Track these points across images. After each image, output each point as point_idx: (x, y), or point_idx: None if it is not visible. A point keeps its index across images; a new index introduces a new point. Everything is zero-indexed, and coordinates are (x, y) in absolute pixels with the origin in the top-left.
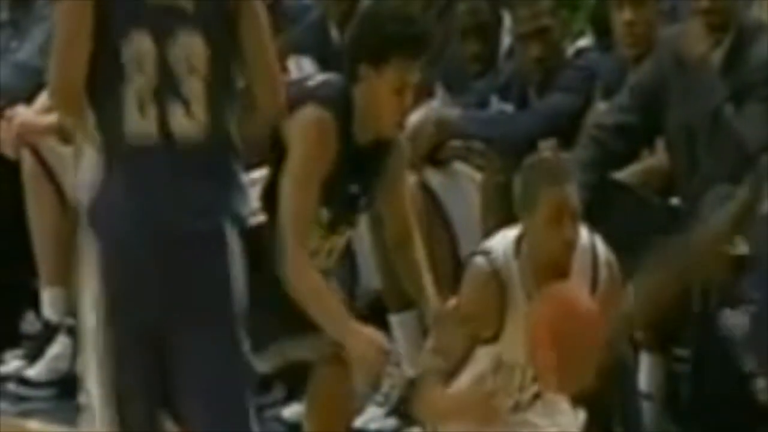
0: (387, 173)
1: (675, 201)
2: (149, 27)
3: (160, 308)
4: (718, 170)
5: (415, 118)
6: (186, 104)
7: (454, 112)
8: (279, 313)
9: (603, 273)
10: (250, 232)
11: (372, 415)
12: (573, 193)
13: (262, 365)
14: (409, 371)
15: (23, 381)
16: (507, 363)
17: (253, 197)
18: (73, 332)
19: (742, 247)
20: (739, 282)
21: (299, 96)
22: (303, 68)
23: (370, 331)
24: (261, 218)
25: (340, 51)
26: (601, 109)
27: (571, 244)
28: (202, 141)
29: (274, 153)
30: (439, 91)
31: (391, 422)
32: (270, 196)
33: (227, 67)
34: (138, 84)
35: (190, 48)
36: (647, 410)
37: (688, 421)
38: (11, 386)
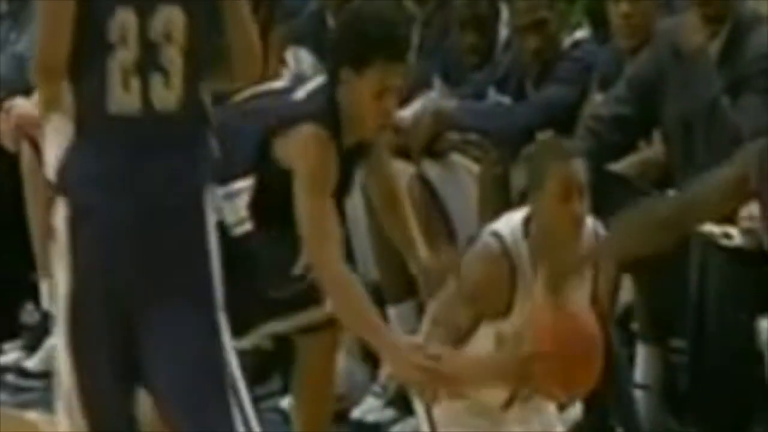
0: (369, 158)
1: (672, 192)
2: (134, 3)
3: (133, 279)
4: (715, 162)
5: (412, 109)
6: (165, 75)
7: (451, 104)
8: (260, 299)
9: (604, 271)
10: (237, 240)
11: (370, 406)
12: (580, 170)
13: (243, 343)
14: None
15: (22, 372)
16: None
17: (240, 207)
18: None
19: (738, 239)
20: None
21: (291, 114)
22: (301, 59)
23: (405, 344)
24: (247, 227)
25: None
26: (597, 100)
27: (579, 220)
28: (179, 111)
29: (262, 167)
30: (437, 83)
31: (389, 413)
32: (258, 206)
33: (204, 37)
34: (122, 58)
35: (169, 19)
36: (644, 402)
37: (685, 412)
38: (10, 377)
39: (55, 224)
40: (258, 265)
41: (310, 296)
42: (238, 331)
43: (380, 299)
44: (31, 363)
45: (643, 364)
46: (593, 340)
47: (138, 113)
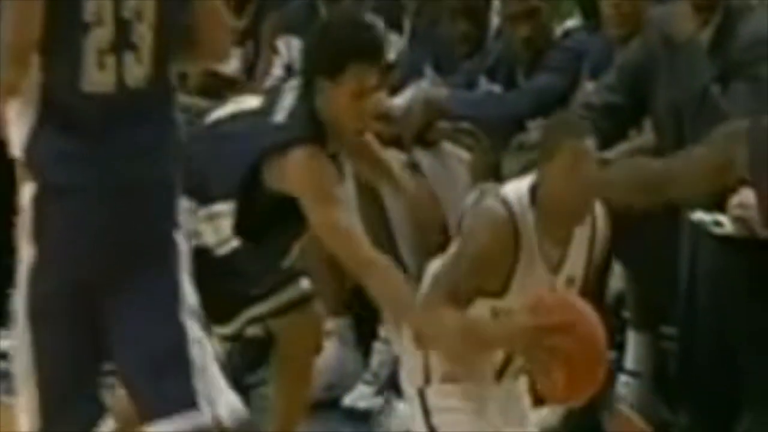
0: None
1: None
2: None
3: (100, 257)
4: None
5: (404, 98)
6: (136, 51)
7: (442, 93)
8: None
9: (599, 243)
10: (221, 259)
11: (361, 393)
12: (592, 147)
13: (226, 330)
14: (399, 350)
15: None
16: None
17: (223, 227)
18: None
19: (728, 227)
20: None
21: (277, 142)
22: (293, 47)
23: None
24: (231, 246)
25: None
26: (588, 89)
27: (588, 192)
28: (148, 87)
29: (249, 193)
30: (428, 72)
31: (380, 400)
32: (243, 227)
33: (173, 14)
34: (98, 37)
35: None
36: (635, 388)
37: (676, 399)
38: (2, 364)
39: (22, 202)
40: (240, 273)
41: (283, 279)
42: (220, 319)
43: None
44: None
45: (633, 350)
46: (596, 327)
47: (112, 91)
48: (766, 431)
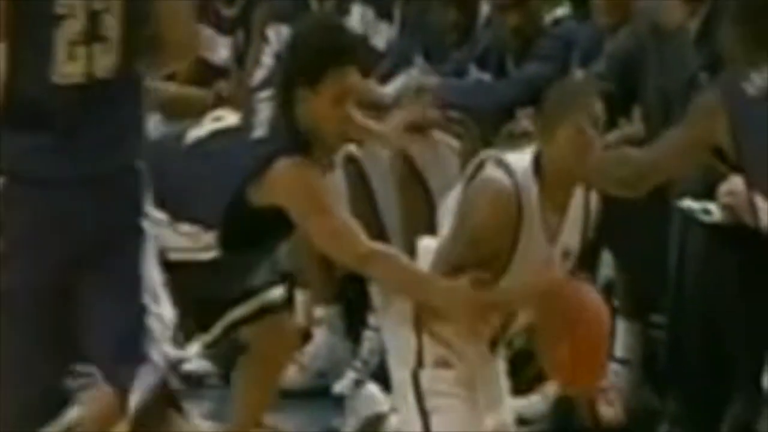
0: None
1: None
2: None
3: (66, 249)
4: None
5: (394, 87)
6: (106, 43)
7: (432, 81)
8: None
9: (593, 213)
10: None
11: (351, 381)
12: (599, 106)
13: (207, 337)
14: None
15: None
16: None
17: (204, 239)
18: None
19: (717, 215)
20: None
21: (259, 155)
22: (283, 37)
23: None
24: (213, 254)
25: None
26: (578, 77)
27: (594, 149)
28: (117, 79)
29: (236, 211)
30: (418, 61)
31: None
32: (228, 243)
33: (142, 6)
34: (69, 29)
35: None
36: (624, 377)
37: (664, 387)
38: None
39: None
40: (222, 278)
41: (259, 286)
42: (202, 326)
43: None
44: None
45: (622, 339)
46: (601, 310)
47: (81, 82)
48: (754, 419)
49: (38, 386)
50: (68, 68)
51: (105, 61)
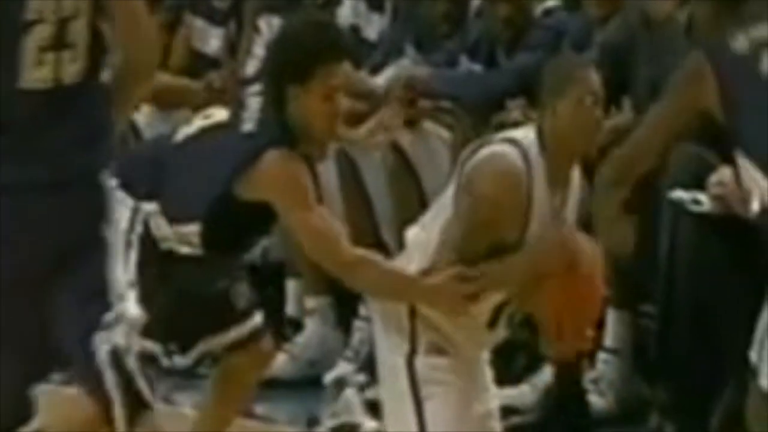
0: None
1: None
2: None
3: (33, 255)
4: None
5: (385, 77)
6: (73, 48)
7: (424, 72)
8: (202, 314)
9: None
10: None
11: (342, 370)
12: (597, 80)
13: (186, 360)
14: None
15: None
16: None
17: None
18: None
19: (707, 205)
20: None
21: (247, 150)
22: (274, 28)
23: (442, 282)
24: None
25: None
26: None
27: (599, 124)
28: (83, 84)
29: (222, 206)
30: (409, 51)
31: (362, 378)
32: (213, 240)
33: (109, 12)
34: (39, 35)
35: None
36: (614, 366)
37: (654, 376)
38: None
39: None
40: (203, 298)
41: (239, 315)
42: (181, 345)
43: None
44: None
45: (613, 328)
46: (596, 274)
47: (48, 87)
48: (745, 408)
49: (7, 393)
50: (36, 74)
51: (73, 68)
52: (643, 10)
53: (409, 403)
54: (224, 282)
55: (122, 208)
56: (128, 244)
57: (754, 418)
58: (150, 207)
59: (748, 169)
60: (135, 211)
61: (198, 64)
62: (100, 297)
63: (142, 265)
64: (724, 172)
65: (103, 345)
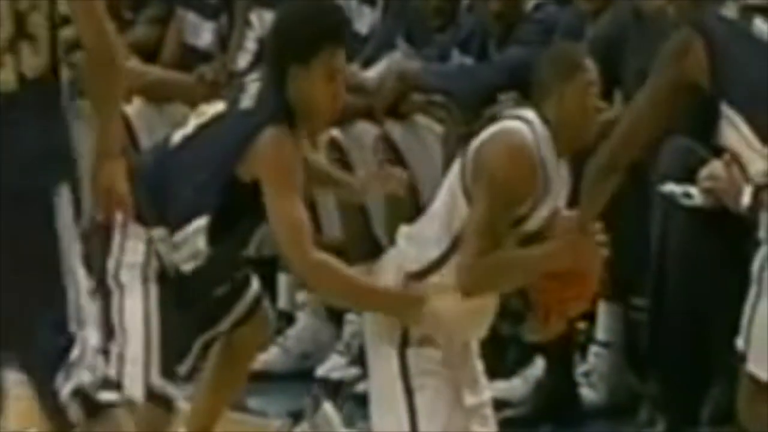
0: None
1: None
2: None
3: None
4: (675, 122)
5: (377, 71)
6: (33, 42)
7: (415, 65)
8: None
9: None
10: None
11: (334, 363)
12: (594, 70)
13: (187, 364)
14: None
15: None
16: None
17: (198, 243)
18: None
19: (698, 199)
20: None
21: (246, 128)
22: (266, 21)
23: (414, 294)
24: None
25: None
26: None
27: (597, 115)
28: (45, 77)
29: (228, 187)
30: (401, 45)
31: (354, 371)
32: (217, 231)
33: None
34: None
35: None
36: (605, 359)
37: (645, 369)
38: None
39: None
40: (200, 297)
41: (236, 291)
42: (179, 353)
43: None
44: None
45: (604, 321)
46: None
47: (12, 89)
48: (735, 401)
49: None
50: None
51: (33, 61)
52: (634, 4)
53: (401, 394)
54: (226, 287)
55: (137, 242)
56: (146, 279)
57: (745, 403)
58: (160, 233)
59: (742, 140)
60: (149, 243)
61: (189, 57)
62: (57, 316)
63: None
64: (715, 166)
65: (67, 384)
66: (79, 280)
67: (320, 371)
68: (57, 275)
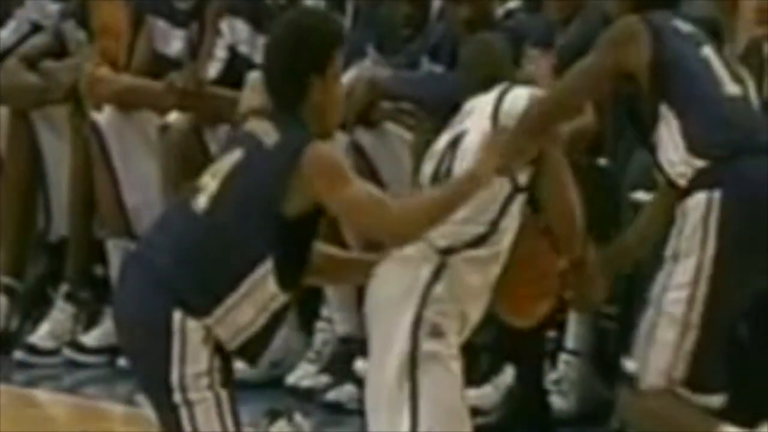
0: None
1: (602, 161)
2: None
3: None
4: (642, 134)
5: (346, 79)
6: None
7: (385, 73)
8: None
9: None
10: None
11: (304, 371)
12: None
13: None
14: (341, 329)
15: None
16: None
17: (239, 318)
18: (9, 291)
19: None
20: None
21: (286, 166)
22: (236, 30)
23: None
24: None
25: (273, 13)
26: (530, 70)
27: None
28: None
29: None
30: (371, 53)
31: (324, 379)
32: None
33: None
34: None
35: None
36: (575, 367)
37: (614, 377)
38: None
39: None
40: None
41: None
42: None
43: None
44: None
45: (574, 329)
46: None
47: None
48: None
49: None
50: None
51: None
52: (604, 11)
53: (405, 381)
54: None
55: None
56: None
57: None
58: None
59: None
60: (208, 330)
61: (160, 65)
62: None
63: None
64: None
65: None
66: None
67: (291, 379)
68: None
